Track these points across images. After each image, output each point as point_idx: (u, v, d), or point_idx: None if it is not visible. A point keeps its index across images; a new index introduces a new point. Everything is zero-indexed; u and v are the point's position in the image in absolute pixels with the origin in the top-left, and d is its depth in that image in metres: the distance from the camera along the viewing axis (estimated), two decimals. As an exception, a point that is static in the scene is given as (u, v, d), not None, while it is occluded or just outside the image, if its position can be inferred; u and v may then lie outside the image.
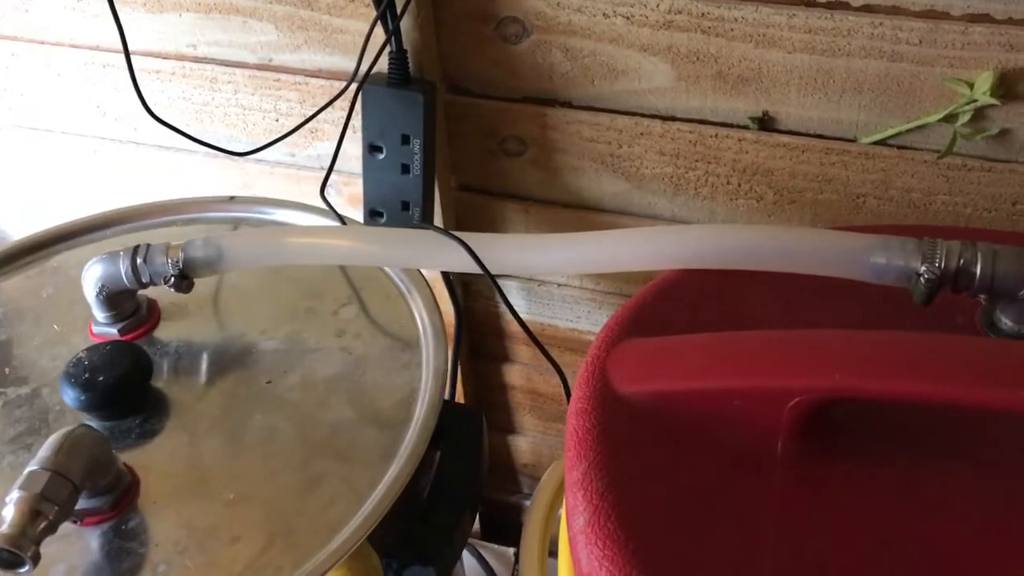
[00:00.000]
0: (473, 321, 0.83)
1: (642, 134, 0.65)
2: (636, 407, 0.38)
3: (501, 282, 0.79)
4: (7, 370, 0.52)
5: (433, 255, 0.48)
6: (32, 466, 0.40)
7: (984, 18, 0.53)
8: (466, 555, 0.83)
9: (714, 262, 0.43)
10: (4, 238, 0.94)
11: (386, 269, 0.57)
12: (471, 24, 0.64)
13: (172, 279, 0.51)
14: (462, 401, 0.84)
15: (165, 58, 0.74)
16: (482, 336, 0.85)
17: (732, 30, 0.58)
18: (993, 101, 0.55)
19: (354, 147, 0.74)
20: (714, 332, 0.40)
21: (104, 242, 0.62)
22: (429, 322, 0.52)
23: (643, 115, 0.65)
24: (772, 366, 0.36)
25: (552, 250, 0.47)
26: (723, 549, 0.33)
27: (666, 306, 0.44)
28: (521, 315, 0.81)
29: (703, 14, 0.58)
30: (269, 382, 0.50)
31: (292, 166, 0.77)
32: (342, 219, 0.60)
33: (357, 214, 0.77)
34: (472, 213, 0.75)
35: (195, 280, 0.52)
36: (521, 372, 0.86)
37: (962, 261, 0.40)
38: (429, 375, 0.49)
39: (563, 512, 0.39)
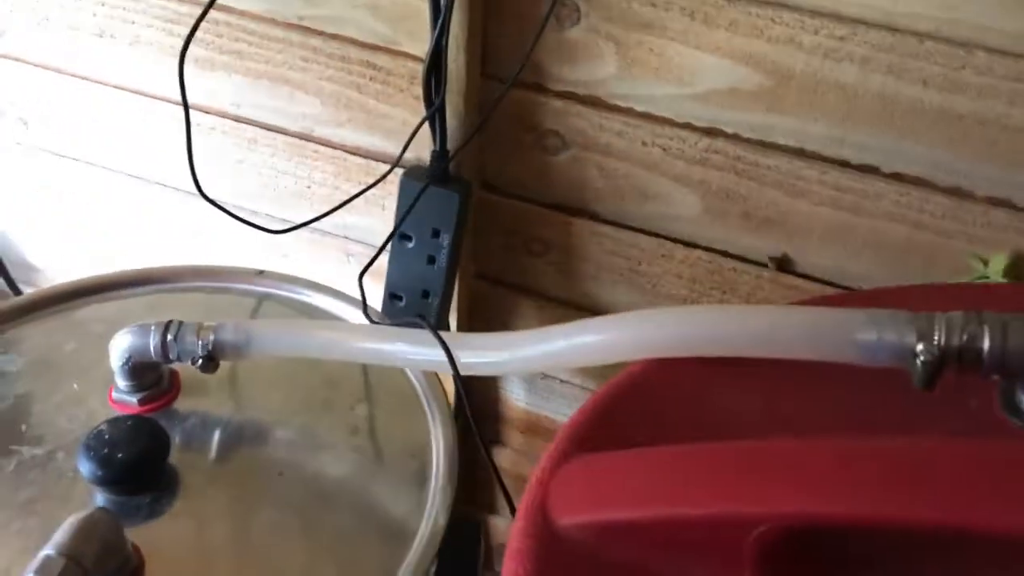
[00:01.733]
0: (470, 401, 0.85)
1: (663, 255, 0.67)
2: (577, 543, 0.33)
3: (505, 369, 0.81)
4: (24, 427, 0.53)
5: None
6: (48, 550, 0.41)
7: (1006, 203, 0.56)
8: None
9: (683, 350, 0.38)
10: (25, 259, 0.95)
11: (405, 369, 0.58)
12: (514, 132, 0.66)
13: (200, 360, 0.52)
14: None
15: (207, 112, 0.75)
16: (477, 417, 0.86)
17: (764, 176, 0.60)
18: (1004, 280, 0.57)
19: (380, 223, 0.75)
20: (671, 445, 0.34)
21: (132, 300, 0.63)
22: (442, 436, 0.53)
23: (666, 238, 0.67)
24: (731, 490, 0.31)
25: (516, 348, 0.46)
26: None
27: (626, 410, 0.38)
28: (520, 404, 0.83)
29: (739, 157, 0.60)
30: (281, 474, 0.51)
31: (317, 231, 0.79)
32: (367, 310, 0.61)
33: (371, 286, 0.78)
34: (485, 302, 0.76)
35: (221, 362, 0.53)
36: (510, 457, 0.87)
37: (966, 336, 0.34)
38: (437, 493, 0.50)
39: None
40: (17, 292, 0.90)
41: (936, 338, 0.34)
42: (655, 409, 0.38)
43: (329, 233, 0.78)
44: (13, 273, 0.92)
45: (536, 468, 0.36)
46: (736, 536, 0.31)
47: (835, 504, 0.30)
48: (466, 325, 0.77)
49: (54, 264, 0.95)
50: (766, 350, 0.37)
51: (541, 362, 0.46)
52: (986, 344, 0.34)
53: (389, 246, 0.68)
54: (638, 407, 0.39)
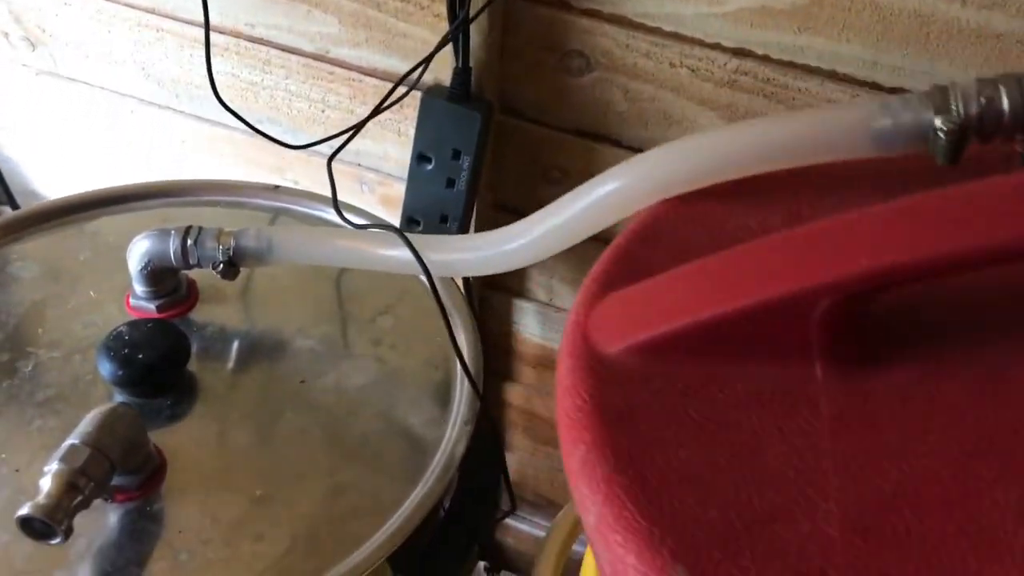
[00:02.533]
0: (484, 336, 0.84)
1: (685, 183, 0.66)
2: (630, 367, 0.31)
3: (518, 303, 0.80)
4: (40, 330, 0.52)
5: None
6: (72, 439, 0.40)
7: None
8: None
9: (693, 182, 0.37)
10: (30, 186, 0.93)
11: (427, 284, 0.57)
12: (537, 52, 0.64)
13: (220, 265, 0.51)
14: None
15: (221, 32, 0.73)
16: (490, 352, 0.85)
17: (794, 99, 0.59)
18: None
19: (395, 149, 0.74)
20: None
21: (146, 212, 0.61)
22: (467, 346, 0.53)
23: (690, 165, 0.65)
24: (783, 269, 0.29)
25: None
26: (775, 507, 0.27)
27: (651, 247, 0.37)
28: (534, 338, 0.82)
29: (768, 79, 0.59)
30: (303, 381, 0.50)
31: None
32: (337, 204, 0.58)
33: (386, 214, 0.77)
34: (502, 232, 0.75)
35: (240, 268, 0.52)
36: (521, 393, 0.87)
37: (983, 100, 0.33)
38: (462, 400, 0.49)
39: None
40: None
41: (954, 108, 0.34)
42: (677, 244, 0.36)
43: (341, 160, 0.77)
44: (18, 199, 0.91)
45: (569, 314, 0.34)
46: (798, 320, 0.29)
47: (894, 253, 0.27)
48: (481, 256, 0.76)
49: (58, 190, 0.94)
50: (785, 160, 0.35)
51: (560, 236, 0.44)
52: (1005, 104, 0.33)
53: (408, 169, 0.67)
54: (660, 245, 0.37)
